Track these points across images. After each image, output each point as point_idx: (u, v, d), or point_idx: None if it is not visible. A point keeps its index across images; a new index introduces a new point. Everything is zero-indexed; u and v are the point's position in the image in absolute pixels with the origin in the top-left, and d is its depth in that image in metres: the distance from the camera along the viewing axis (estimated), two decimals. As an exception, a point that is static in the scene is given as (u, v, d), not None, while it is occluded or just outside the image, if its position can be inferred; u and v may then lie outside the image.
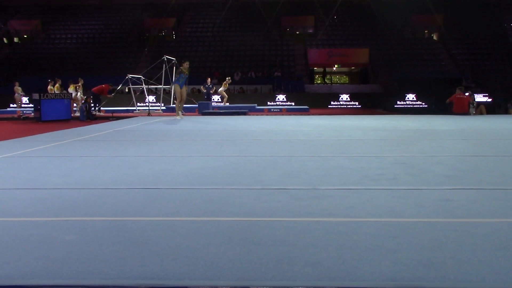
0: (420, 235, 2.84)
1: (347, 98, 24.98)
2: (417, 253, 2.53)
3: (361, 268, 2.34)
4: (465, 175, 4.79)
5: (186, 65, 13.74)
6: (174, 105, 19.86)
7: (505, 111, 17.91)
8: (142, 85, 21.39)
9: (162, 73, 19.82)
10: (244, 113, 17.96)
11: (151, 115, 17.67)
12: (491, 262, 2.41)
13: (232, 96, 24.25)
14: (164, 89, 21.01)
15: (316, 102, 24.42)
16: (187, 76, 13.71)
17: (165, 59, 19.38)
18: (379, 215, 3.30)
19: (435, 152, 6.58)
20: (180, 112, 14.54)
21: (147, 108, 19.55)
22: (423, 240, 2.74)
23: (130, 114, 18.99)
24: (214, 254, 2.54)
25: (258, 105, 22.32)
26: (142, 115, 17.88)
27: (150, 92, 23.35)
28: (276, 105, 24.28)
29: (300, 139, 8.39)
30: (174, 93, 14.68)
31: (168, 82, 20.02)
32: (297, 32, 36.22)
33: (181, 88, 13.76)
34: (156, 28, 36.56)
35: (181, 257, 2.51)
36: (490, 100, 22.11)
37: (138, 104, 22.06)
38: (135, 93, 21.91)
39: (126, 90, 23.33)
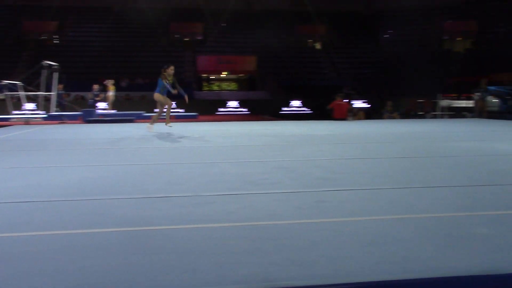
0: (295, 236, 2.96)
1: (235, 105, 25.36)
2: (292, 254, 2.64)
3: (237, 271, 2.39)
4: (340, 177, 5.07)
5: (170, 70, 11.35)
6: (56, 113, 18.89)
7: (380, 116, 19.24)
8: (19, 91, 20.07)
9: (40, 79, 18.73)
10: (131, 121, 17.54)
11: (30, 124, 16.64)
12: (359, 257, 2.58)
13: (118, 103, 23.57)
14: (45, 96, 19.89)
15: (205, 108, 24.52)
16: (168, 83, 11.13)
17: (45, 64, 18.36)
18: (258, 219, 3.39)
19: (315, 156, 6.90)
20: (157, 123, 11.99)
21: (25, 116, 18.38)
22: (298, 241, 2.87)
23: (5, 122, 17.73)
24: (89, 267, 2.46)
25: (145, 112, 21.90)
26: (19, 124, 16.78)
27: (29, 99, 21.97)
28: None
29: (186, 146, 8.37)
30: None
31: (49, 88, 18.97)
32: (186, 39, 36.16)
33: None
34: (36, 31, 34.57)
35: (52, 272, 2.39)
36: (368, 106, 23.62)
37: (16, 111, 20.67)
38: (11, 100, 20.50)
39: (2, 96, 21.75)
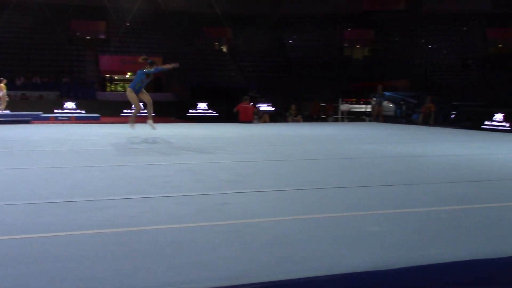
0: (197, 239, 2.96)
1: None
2: (192, 257, 2.62)
3: (137, 276, 2.34)
4: (245, 179, 5.13)
5: (140, 59, 10.28)
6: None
7: (284, 119, 19.72)
8: None
9: None
10: (27, 122, 16.57)
11: None
12: (259, 258, 2.63)
13: (13, 103, 22.16)
14: None
15: (109, 110, 23.71)
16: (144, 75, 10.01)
17: None
18: (160, 222, 3.34)
19: (221, 158, 6.93)
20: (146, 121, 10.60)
21: None
22: (199, 244, 2.86)
23: None
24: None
25: (43, 113, 20.78)
26: None
27: None
28: (65, 113, 22.91)
29: (87, 148, 8.05)
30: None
31: None
32: (88, 37, 34.82)
33: (136, 93, 9.98)
34: None
35: None
36: (273, 109, 24.09)
37: None
38: None
39: None
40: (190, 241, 2.91)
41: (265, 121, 18.02)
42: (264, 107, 23.18)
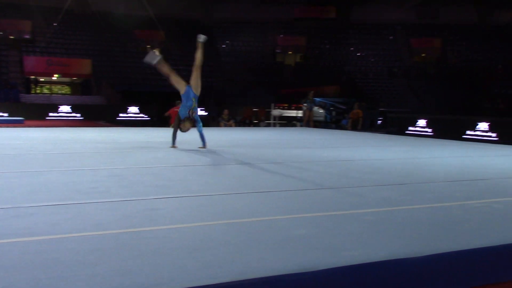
0: (122, 246, 2.89)
1: (68, 110, 23.94)
2: (116, 264, 2.56)
3: (57, 285, 2.26)
4: (174, 185, 5.07)
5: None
6: None
7: (217, 124, 19.71)
8: None
9: None
10: None
11: None
12: (185, 263, 2.60)
13: None
14: None
15: (33, 113, 22.73)
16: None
17: None
18: (84, 229, 3.24)
19: (150, 163, 6.82)
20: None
21: None
22: (124, 251, 2.79)
23: None
24: None
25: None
26: None
27: None
28: (-14, 116, 21.74)
29: (9, 153, 7.68)
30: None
31: None
32: (11, 37, 33.24)
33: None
34: None
35: None
36: (205, 114, 24.01)
37: None
38: None
39: None
40: (114, 248, 2.84)
41: (194, 126, 17.89)
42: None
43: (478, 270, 2.97)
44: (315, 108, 22.18)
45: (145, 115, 23.03)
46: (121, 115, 22.80)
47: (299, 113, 23.12)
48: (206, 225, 3.43)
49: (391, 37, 40.09)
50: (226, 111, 19.66)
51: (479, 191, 5.06)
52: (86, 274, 2.41)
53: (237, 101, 26.63)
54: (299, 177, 5.80)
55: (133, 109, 23.18)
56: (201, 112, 23.69)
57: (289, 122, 23.61)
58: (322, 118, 23.46)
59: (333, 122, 23.01)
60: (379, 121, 22.82)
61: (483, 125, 14.19)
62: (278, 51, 38.97)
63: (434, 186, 5.30)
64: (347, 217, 3.77)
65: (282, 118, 24.06)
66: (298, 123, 22.04)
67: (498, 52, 38.91)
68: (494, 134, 13.76)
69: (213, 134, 13.38)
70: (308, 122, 19.96)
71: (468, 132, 14.55)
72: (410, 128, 16.60)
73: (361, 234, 3.28)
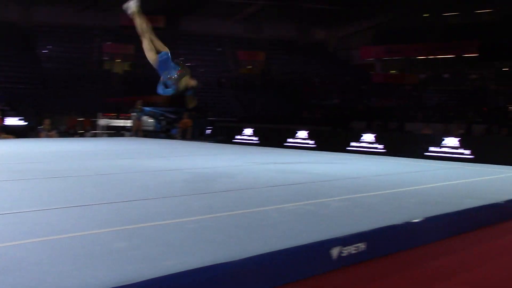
0: None
1: None
2: None
3: None
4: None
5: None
6: None
7: (37, 134, 18.32)
8: None
9: None
10: None
11: None
12: None
13: None
14: None
15: None
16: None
17: None
18: None
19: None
20: None
21: None
22: None
23: None
24: None
25: None
26: None
27: None
28: None
29: None
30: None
31: None
32: None
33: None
34: None
35: None
36: (24, 123, 22.18)
37: None
38: None
39: None
40: None
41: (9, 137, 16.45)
42: (13, 121, 21.20)
43: (281, 270, 3.15)
44: (145, 118, 21.90)
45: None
46: None
47: (128, 123, 22.57)
48: (16, 245, 3.15)
49: (219, 49, 41.36)
50: (47, 121, 18.38)
51: (294, 194, 5.44)
52: None
53: (59, 110, 25.06)
54: (123, 188, 5.65)
55: None
56: (19, 122, 21.83)
57: (117, 132, 22.93)
58: (151, 128, 23.22)
59: (163, 131, 22.92)
60: (209, 130, 23.33)
61: (302, 133, 15.35)
62: (105, 58, 37.67)
63: (255, 192, 5.57)
64: (170, 226, 3.77)
65: (110, 127, 23.26)
66: (127, 133, 21.52)
67: (315, 66, 42.54)
68: (312, 142, 14.97)
69: (33, 146, 12.41)
70: (137, 131, 19.61)
71: (289, 140, 15.61)
72: (238, 137, 17.27)
73: (182, 243, 3.30)
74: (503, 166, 9.57)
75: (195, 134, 21.11)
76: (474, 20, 39.54)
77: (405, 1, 38.72)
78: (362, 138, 13.80)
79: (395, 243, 3.97)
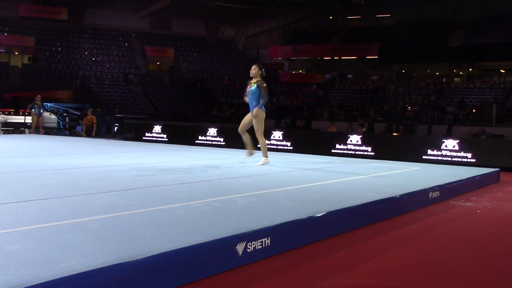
0: None
1: None
2: None
3: None
4: None
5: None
6: None
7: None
8: None
9: None
10: None
11: None
12: None
13: None
14: None
15: None
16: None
17: None
18: None
19: None
20: None
21: None
22: None
23: None
24: None
25: None
26: None
27: None
28: None
29: None
30: None
31: None
32: None
33: None
34: None
35: None
36: None
37: None
38: None
39: None
40: None
41: None
42: None
43: (187, 268, 3.13)
44: (46, 114, 20.82)
45: None
46: None
47: (28, 119, 21.34)
48: None
49: (126, 44, 40.28)
50: None
51: (202, 192, 5.42)
52: None
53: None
54: (19, 188, 5.33)
55: None
56: None
57: (16, 129, 21.61)
58: (54, 125, 22.13)
59: (66, 128, 21.93)
60: (116, 127, 22.65)
61: (212, 131, 15.34)
62: (1, 50, 35.35)
63: (163, 189, 5.48)
64: (70, 227, 3.61)
65: (8, 124, 21.88)
66: (27, 130, 20.34)
67: (224, 64, 42.66)
68: (221, 139, 15.01)
69: None
70: (37, 128, 18.60)
71: (200, 137, 15.55)
72: (147, 134, 16.93)
73: (83, 243, 3.17)
74: (400, 162, 10.16)
75: (101, 131, 20.42)
76: (375, 24, 41.73)
77: (311, 3, 40.00)
78: (271, 135, 14.05)
79: (299, 237, 4.08)
